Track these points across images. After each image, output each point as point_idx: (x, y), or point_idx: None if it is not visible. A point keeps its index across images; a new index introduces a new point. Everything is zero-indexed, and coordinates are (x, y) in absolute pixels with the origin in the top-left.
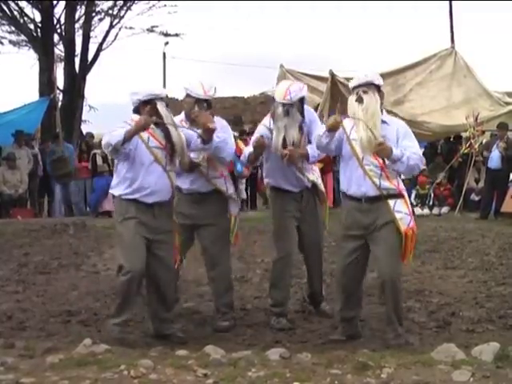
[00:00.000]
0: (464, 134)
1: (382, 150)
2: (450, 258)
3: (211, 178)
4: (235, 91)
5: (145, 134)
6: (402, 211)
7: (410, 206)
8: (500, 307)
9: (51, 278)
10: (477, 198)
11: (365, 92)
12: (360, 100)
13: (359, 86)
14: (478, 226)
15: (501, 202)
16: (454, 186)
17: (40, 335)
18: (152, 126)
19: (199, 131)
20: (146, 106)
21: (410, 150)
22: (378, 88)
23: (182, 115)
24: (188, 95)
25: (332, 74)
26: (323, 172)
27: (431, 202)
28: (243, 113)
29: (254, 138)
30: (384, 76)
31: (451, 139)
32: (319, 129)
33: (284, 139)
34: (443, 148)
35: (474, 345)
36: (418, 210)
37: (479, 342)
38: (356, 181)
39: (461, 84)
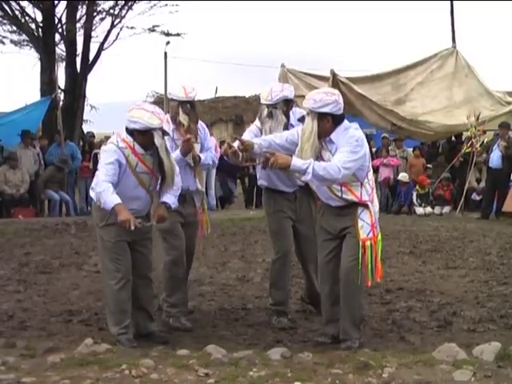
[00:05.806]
0: (465, 134)
1: (274, 162)
2: (451, 257)
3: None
4: (237, 91)
5: (134, 161)
6: (364, 220)
7: (374, 217)
8: (501, 307)
9: (52, 277)
10: (478, 198)
11: (308, 114)
12: (302, 120)
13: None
14: (479, 226)
15: (502, 201)
16: (455, 186)
17: (41, 335)
18: (142, 152)
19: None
20: (142, 136)
21: (333, 162)
22: (321, 115)
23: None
24: (171, 99)
25: (333, 74)
26: None
27: (431, 201)
28: (244, 112)
29: (243, 136)
30: (385, 75)
31: (452, 139)
32: None
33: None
34: (444, 147)
35: (475, 344)
36: (419, 210)
37: (480, 341)
38: (323, 195)
39: (462, 83)
